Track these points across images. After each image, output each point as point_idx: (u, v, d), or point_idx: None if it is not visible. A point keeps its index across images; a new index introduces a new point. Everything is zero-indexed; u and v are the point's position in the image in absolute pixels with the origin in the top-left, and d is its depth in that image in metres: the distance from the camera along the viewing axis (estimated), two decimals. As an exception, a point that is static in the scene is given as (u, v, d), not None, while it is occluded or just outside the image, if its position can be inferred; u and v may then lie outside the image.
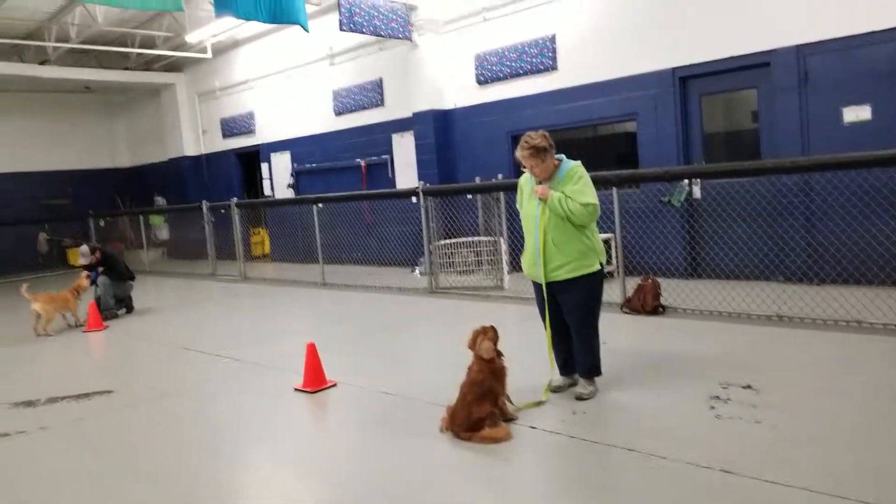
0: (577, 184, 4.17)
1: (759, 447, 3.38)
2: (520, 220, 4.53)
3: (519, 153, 4.22)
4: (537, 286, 4.42)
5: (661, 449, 3.42)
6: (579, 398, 4.28)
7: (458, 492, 3.16)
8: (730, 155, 8.23)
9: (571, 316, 4.31)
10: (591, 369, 4.36)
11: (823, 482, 2.94)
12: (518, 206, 4.58)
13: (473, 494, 3.13)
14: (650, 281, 6.62)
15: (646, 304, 6.47)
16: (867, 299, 5.81)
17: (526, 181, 4.46)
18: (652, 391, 4.32)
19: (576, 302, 4.26)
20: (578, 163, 4.32)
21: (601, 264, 4.31)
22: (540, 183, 4.29)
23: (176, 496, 3.37)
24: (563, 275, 4.23)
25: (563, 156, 4.35)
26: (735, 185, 7.67)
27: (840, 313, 5.67)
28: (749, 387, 4.24)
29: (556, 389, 4.43)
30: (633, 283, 6.79)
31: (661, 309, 6.49)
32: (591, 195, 4.17)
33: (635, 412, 4.01)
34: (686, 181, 7.93)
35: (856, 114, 7.02)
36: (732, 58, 7.70)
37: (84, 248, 8.93)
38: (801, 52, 7.24)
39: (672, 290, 6.86)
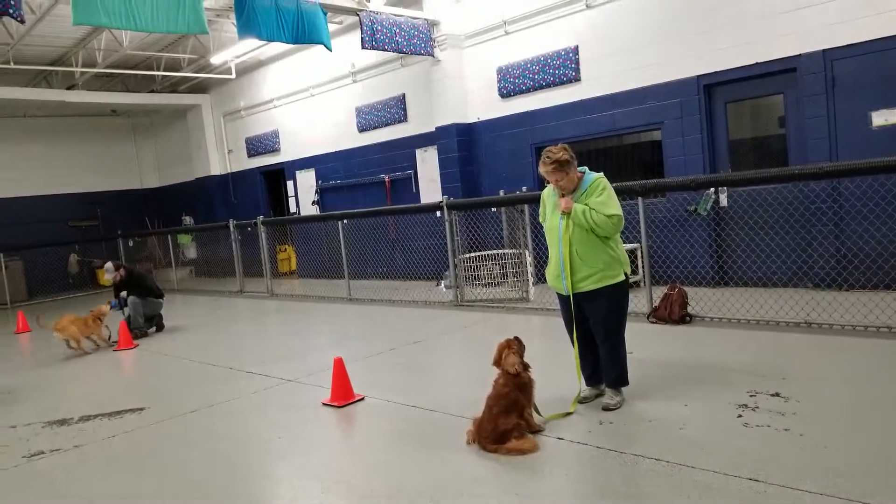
0: (602, 195, 4.20)
1: (787, 455, 3.34)
2: (544, 232, 4.55)
3: (542, 169, 4.25)
4: (563, 298, 4.44)
5: (688, 458, 3.39)
6: (606, 409, 4.27)
7: (486, 503, 3.16)
8: (756, 162, 8.15)
9: (598, 326, 4.32)
10: (618, 379, 4.35)
11: (852, 490, 2.90)
12: (541, 219, 4.61)
13: (500, 506, 3.14)
14: (677, 290, 6.56)
15: (672, 313, 6.42)
16: (898, 304, 5.71)
17: (548, 195, 4.49)
18: (679, 400, 4.28)
19: (601, 312, 4.27)
20: (601, 174, 4.35)
21: (626, 274, 4.32)
22: (563, 195, 4.32)
23: (208, 509, 3.43)
24: (588, 286, 4.25)
25: (585, 168, 4.39)
26: (762, 192, 7.60)
27: (870, 319, 5.58)
28: (777, 394, 4.19)
29: (583, 400, 4.42)
30: (659, 292, 6.74)
31: (688, 318, 6.43)
32: (615, 206, 4.19)
33: (662, 422, 3.98)
34: (712, 189, 7.87)
35: (885, 118, 6.92)
36: (758, 64, 7.66)
37: (109, 264, 9.13)
38: (828, 57, 7.17)
39: (699, 299, 6.80)
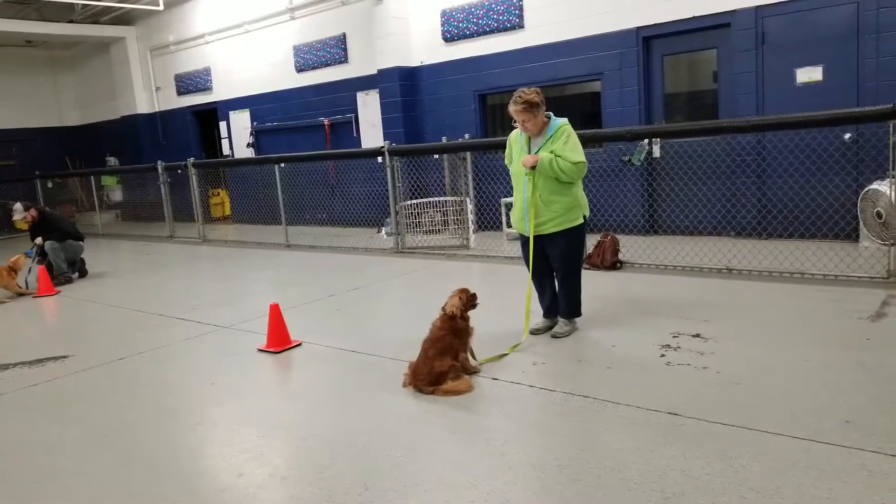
0: (568, 142, 4.36)
1: (704, 391, 3.58)
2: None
3: (512, 108, 4.36)
4: (524, 238, 4.66)
5: (614, 395, 3.59)
6: (555, 336, 4.60)
7: (421, 441, 3.27)
8: (689, 115, 8.38)
9: (556, 263, 4.60)
10: (570, 311, 4.69)
11: (762, 422, 3.14)
12: (507, 162, 4.78)
13: (436, 443, 3.24)
14: (609, 237, 6.79)
15: (605, 259, 6.65)
16: (810, 252, 6.10)
17: (515, 138, 4.64)
18: (607, 342, 4.49)
19: (560, 253, 4.55)
20: (566, 120, 4.50)
21: (584, 217, 4.58)
22: (529, 140, 4.50)
23: (139, 458, 3.38)
24: (549, 229, 4.49)
25: (550, 113, 4.51)
26: (693, 144, 7.84)
27: (785, 265, 5.95)
28: (698, 335, 4.45)
29: (535, 332, 4.69)
30: (593, 239, 6.94)
31: (619, 264, 6.68)
32: (580, 153, 4.38)
33: (591, 362, 4.17)
34: (646, 140, 8.07)
35: (808, 75, 7.20)
36: (695, 18, 7.78)
37: (17, 205, 8.58)
38: (760, 14, 7.35)
39: (630, 247, 7.06)
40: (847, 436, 2.94)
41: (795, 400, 3.37)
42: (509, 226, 8.63)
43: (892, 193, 5.59)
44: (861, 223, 6.67)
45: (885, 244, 6.10)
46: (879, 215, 6.35)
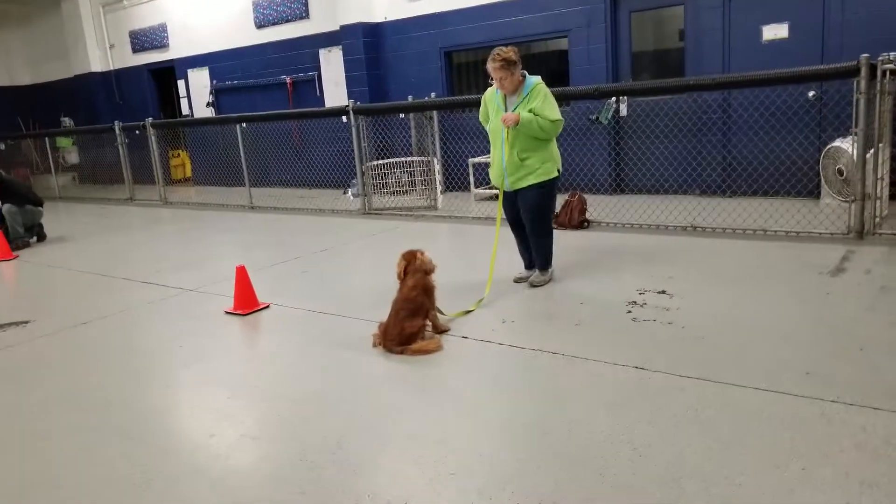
0: (545, 101, 4.49)
1: (670, 346, 3.64)
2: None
3: (490, 65, 4.47)
4: (506, 193, 4.84)
5: (582, 351, 3.63)
6: (532, 285, 4.81)
7: (392, 400, 3.27)
8: (656, 74, 8.36)
9: (527, 217, 4.73)
10: (545, 262, 4.87)
11: (726, 374, 3.21)
12: (481, 119, 4.92)
13: (405, 400, 3.25)
14: (577, 197, 6.81)
15: (572, 219, 6.68)
16: (773, 209, 6.23)
17: (491, 96, 4.74)
18: (575, 299, 4.53)
19: (528, 205, 4.69)
20: (540, 79, 4.60)
21: (558, 171, 4.72)
22: (505, 98, 4.61)
23: (108, 420, 3.32)
24: (525, 183, 4.63)
25: (525, 72, 4.60)
26: (659, 102, 7.84)
27: (748, 223, 6.06)
28: (663, 292, 4.52)
29: (519, 280, 4.99)
30: (561, 199, 6.95)
31: (586, 223, 6.72)
32: (556, 111, 4.54)
33: (559, 319, 4.21)
34: (613, 99, 8.04)
35: (774, 32, 7.22)
36: (662, -28, 7.70)
37: None
38: (728, -32, 7.30)
39: (597, 206, 7.10)
40: (808, 387, 3.03)
41: (758, 353, 3.46)
42: (477, 186, 8.60)
43: (854, 151, 5.69)
44: (823, 180, 6.81)
45: (845, 201, 6.24)
46: (841, 172, 6.49)
